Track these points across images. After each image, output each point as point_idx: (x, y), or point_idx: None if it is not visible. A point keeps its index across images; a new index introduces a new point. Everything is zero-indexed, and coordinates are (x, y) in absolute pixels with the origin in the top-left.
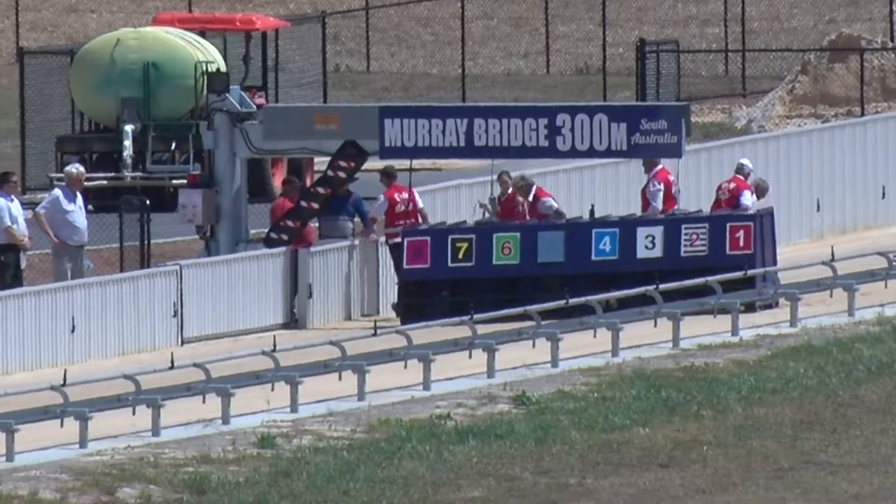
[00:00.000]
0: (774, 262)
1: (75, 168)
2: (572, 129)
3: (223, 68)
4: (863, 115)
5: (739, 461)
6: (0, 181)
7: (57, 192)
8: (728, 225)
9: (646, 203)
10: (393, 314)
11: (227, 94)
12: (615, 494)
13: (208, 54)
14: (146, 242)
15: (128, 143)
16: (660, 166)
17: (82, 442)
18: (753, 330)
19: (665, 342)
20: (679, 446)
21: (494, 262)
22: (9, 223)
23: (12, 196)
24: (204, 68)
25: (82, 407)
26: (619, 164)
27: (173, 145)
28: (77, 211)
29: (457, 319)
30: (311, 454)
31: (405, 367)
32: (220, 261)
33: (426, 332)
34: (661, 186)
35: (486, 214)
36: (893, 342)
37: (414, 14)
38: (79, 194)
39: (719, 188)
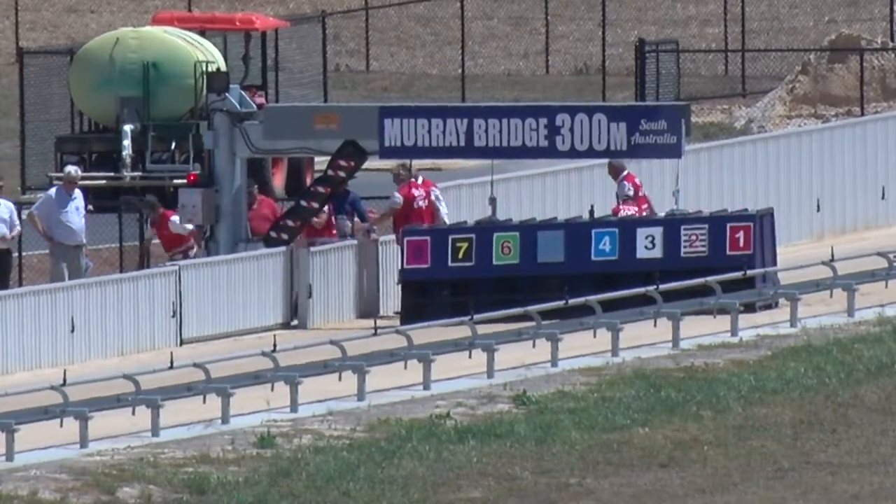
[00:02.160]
0: (774, 263)
1: (73, 169)
2: (572, 129)
3: (223, 68)
4: (863, 115)
5: (739, 461)
6: None
7: (51, 192)
8: (728, 225)
9: (430, 213)
10: (393, 314)
11: (227, 94)
12: (615, 494)
13: (208, 54)
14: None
15: (127, 142)
16: (420, 178)
17: (82, 442)
18: (753, 330)
19: (665, 342)
20: (679, 446)
21: (494, 262)
22: None
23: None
24: (204, 68)
25: (82, 407)
26: None
27: (173, 145)
28: (72, 211)
29: (457, 320)
30: (310, 454)
31: (405, 367)
32: (219, 261)
33: (426, 333)
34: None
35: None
36: (893, 342)
37: (414, 14)
38: (79, 195)
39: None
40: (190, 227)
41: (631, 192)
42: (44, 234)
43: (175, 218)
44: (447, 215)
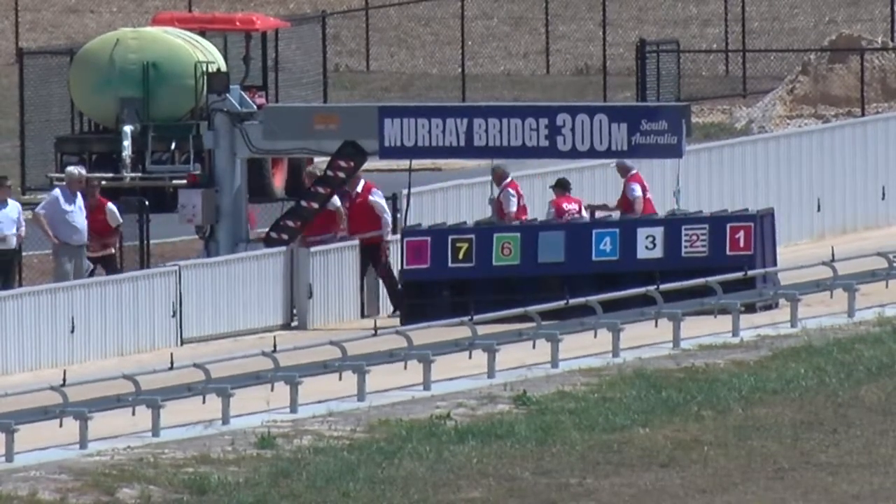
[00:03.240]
0: (774, 263)
1: (76, 169)
2: (573, 130)
3: (223, 68)
4: (863, 115)
5: (739, 461)
6: None
7: (56, 192)
8: (728, 225)
9: (328, 221)
10: (393, 313)
11: (227, 94)
12: (615, 494)
13: (208, 54)
14: (146, 242)
15: (127, 143)
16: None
17: (82, 442)
18: (753, 330)
19: (665, 342)
20: (679, 446)
21: (494, 262)
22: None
23: (7, 201)
24: (204, 68)
25: (82, 407)
26: None
27: (173, 145)
28: (76, 211)
29: (457, 320)
30: (310, 454)
31: (405, 367)
32: (219, 261)
33: (426, 333)
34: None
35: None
36: (893, 343)
37: (414, 14)
38: (80, 195)
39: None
40: (119, 222)
41: (514, 199)
42: (49, 234)
43: (112, 206)
44: (387, 214)
